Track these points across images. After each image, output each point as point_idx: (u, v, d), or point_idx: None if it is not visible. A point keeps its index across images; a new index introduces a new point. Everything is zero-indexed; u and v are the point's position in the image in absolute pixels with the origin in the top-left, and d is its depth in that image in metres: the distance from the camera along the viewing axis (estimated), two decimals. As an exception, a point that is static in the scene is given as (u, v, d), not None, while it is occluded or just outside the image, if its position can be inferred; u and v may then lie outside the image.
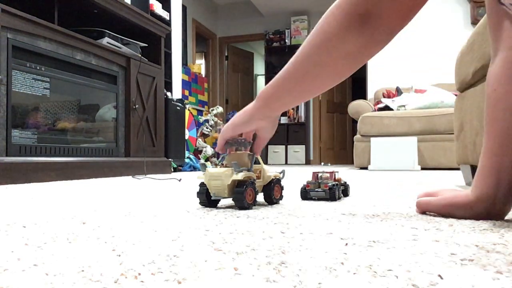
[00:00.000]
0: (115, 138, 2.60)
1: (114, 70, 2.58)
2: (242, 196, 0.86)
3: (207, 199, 0.91)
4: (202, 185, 0.92)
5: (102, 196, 1.23)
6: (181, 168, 3.64)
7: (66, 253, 0.49)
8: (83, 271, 0.41)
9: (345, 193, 1.15)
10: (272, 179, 0.97)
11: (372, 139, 3.97)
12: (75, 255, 0.48)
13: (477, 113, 1.39)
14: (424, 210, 0.81)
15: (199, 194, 0.92)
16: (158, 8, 3.45)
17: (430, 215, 0.79)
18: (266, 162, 7.33)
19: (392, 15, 0.68)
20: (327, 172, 1.07)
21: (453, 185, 1.70)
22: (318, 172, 1.07)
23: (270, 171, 0.98)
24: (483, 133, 0.72)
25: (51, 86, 2.08)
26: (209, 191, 0.90)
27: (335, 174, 1.08)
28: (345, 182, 1.16)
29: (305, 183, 1.07)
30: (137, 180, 2.11)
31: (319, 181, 1.06)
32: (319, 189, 1.04)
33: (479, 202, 0.70)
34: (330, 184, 1.03)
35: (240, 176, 0.86)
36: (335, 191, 1.03)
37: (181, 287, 0.36)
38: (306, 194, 1.06)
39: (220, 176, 0.87)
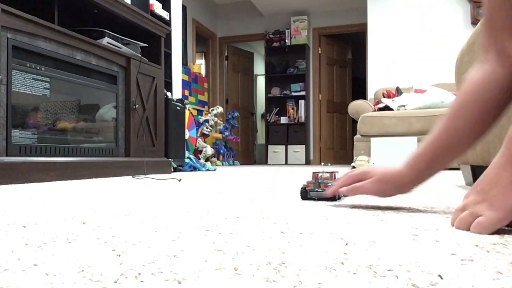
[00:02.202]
0: (115, 138, 2.60)
1: (114, 70, 2.58)
2: None
3: None
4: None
5: (102, 196, 1.23)
6: (181, 168, 3.64)
7: (66, 253, 0.49)
8: (83, 271, 0.41)
9: None
10: None
11: (372, 139, 3.97)
12: (75, 255, 0.48)
13: (477, 113, 1.39)
14: (358, 193, 0.88)
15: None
16: (158, 8, 3.45)
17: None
18: (266, 162, 7.33)
19: None
20: (327, 172, 1.07)
21: (453, 185, 1.70)
22: (318, 172, 1.07)
23: None
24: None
25: (51, 86, 2.08)
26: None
27: (335, 174, 1.08)
28: None
29: (305, 183, 1.08)
30: (137, 180, 2.11)
31: (319, 181, 1.06)
32: (319, 189, 1.04)
33: (408, 176, 0.81)
34: (330, 184, 1.03)
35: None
36: None
37: (181, 287, 0.36)
38: (306, 194, 1.06)
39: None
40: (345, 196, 1.02)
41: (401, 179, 0.81)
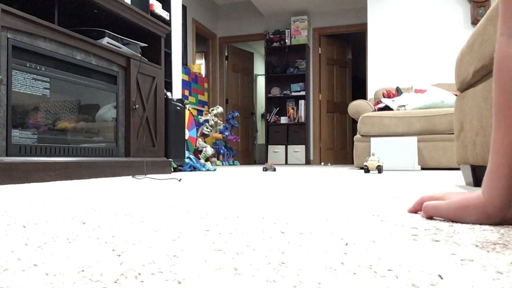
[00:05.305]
0: (115, 138, 2.60)
1: (114, 70, 2.57)
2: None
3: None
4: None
5: (102, 196, 1.23)
6: (181, 168, 3.64)
7: (66, 253, 0.49)
8: (83, 271, 0.41)
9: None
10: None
11: (372, 139, 3.97)
12: (75, 255, 0.48)
13: (477, 113, 1.39)
14: (432, 215, 0.74)
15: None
16: (158, 8, 3.45)
17: (437, 219, 0.75)
18: (266, 162, 7.33)
19: None
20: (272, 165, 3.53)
21: (453, 185, 1.70)
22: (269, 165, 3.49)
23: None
24: (492, 128, 0.66)
25: (51, 86, 2.08)
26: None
27: (272, 164, 3.58)
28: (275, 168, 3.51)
29: (264, 166, 3.41)
30: (137, 180, 2.11)
31: (269, 167, 3.52)
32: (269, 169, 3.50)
33: (492, 205, 0.64)
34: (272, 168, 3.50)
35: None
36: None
37: (181, 287, 0.36)
38: (265, 169, 3.50)
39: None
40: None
41: (484, 207, 0.65)
